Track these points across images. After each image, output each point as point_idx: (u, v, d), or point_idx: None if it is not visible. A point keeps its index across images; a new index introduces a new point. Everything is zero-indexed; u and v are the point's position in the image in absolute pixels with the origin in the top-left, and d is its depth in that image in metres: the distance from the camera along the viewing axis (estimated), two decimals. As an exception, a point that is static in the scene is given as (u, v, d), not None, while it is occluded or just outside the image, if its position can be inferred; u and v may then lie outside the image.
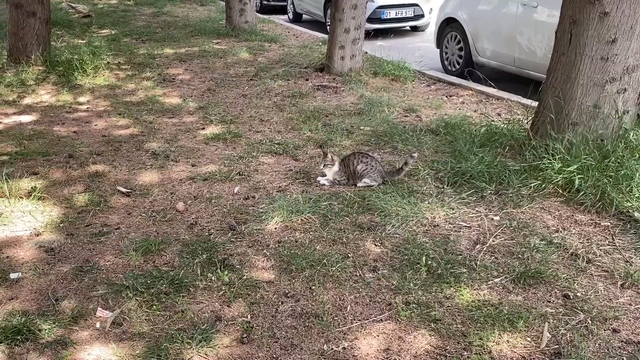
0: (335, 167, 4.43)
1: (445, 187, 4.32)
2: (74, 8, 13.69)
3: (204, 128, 5.89)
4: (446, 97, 7.18)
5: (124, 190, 4.36)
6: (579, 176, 4.01)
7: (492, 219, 3.85)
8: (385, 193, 4.21)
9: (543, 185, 4.12)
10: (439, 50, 9.41)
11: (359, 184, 4.44)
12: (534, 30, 7.38)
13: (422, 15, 12.68)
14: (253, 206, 4.13)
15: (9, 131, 5.64)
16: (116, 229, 3.82)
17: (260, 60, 8.83)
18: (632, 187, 3.89)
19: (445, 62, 9.12)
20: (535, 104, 5.81)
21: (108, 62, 8.21)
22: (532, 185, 4.13)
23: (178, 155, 5.09)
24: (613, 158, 4.04)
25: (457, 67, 8.93)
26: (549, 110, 4.48)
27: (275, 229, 3.80)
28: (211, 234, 3.75)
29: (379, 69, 7.97)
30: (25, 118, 6.07)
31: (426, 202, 4.05)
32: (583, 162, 4.05)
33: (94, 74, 7.66)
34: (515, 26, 7.67)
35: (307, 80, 7.64)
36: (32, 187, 4.32)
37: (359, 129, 5.78)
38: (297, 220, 3.86)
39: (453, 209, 3.95)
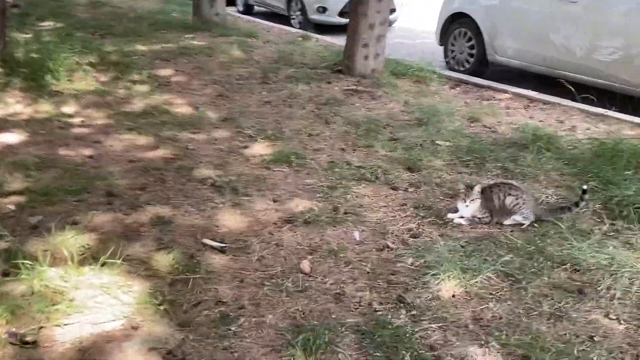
0: (476, 203, 3.49)
1: (616, 222, 3.49)
2: (-1, -5, 11.71)
3: (247, 147, 4.76)
4: (483, 100, 6.42)
5: (214, 244, 3.22)
6: None
7: None
8: (546, 235, 3.42)
9: None
10: (442, 47, 8.66)
11: (506, 222, 3.55)
12: (572, 26, 6.74)
13: (394, 10, 11.95)
14: (398, 261, 3.13)
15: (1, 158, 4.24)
16: (239, 309, 2.71)
17: (257, 60, 7.69)
18: None
19: (452, 61, 8.39)
20: (603, 111, 5.18)
21: (77, 62, 6.74)
22: None
23: (245, 186, 3.96)
24: None
25: (467, 66, 8.22)
26: None
27: (455, 296, 2.82)
28: (378, 311, 2.72)
29: (397, 69, 7.07)
30: (10, 137, 4.66)
31: (620, 247, 3.20)
32: None
33: (68, 77, 6.20)
34: (548, 22, 7.01)
35: (329, 83, 6.63)
36: (83, 246, 3.07)
37: (434, 143, 4.88)
38: (477, 282, 2.90)
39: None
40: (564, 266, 3.09)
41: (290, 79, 6.70)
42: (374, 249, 3.28)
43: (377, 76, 6.82)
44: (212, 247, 3.23)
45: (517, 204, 3.51)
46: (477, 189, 3.51)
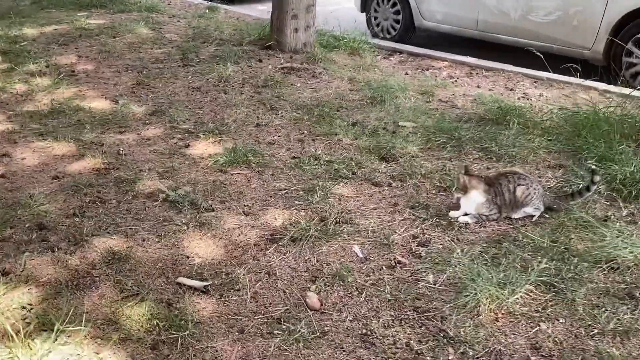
0: (481, 197, 3.06)
1: (628, 205, 3.22)
2: None
3: (189, 145, 4.07)
4: (423, 70, 6.04)
5: (193, 283, 2.60)
6: None
7: None
8: (564, 227, 3.05)
9: None
10: (364, 14, 8.17)
11: (515, 216, 3.15)
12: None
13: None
14: (418, 280, 2.66)
15: None
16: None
17: (170, 38, 6.84)
18: None
19: (376, 29, 7.93)
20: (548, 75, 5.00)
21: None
22: None
23: (205, 198, 3.31)
24: None
25: (393, 33, 7.81)
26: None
27: (498, 320, 2.38)
28: (420, 353, 2.25)
29: (328, 42, 6.52)
30: None
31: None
32: None
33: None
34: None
35: (260, 61, 5.95)
36: (23, 307, 2.35)
37: (398, 125, 4.41)
38: (517, 299, 2.47)
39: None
40: (599, 266, 2.73)
41: (215, 58, 5.95)
42: (384, 267, 2.76)
43: (310, 51, 6.23)
44: (191, 287, 2.56)
45: (529, 194, 3.11)
46: (477, 178, 3.07)
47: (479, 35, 6.99)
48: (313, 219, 3.11)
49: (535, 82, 5.74)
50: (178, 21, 7.80)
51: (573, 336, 2.34)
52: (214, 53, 6.15)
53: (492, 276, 2.60)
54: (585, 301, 2.52)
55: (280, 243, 2.93)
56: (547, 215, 3.18)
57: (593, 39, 5.95)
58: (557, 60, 5.56)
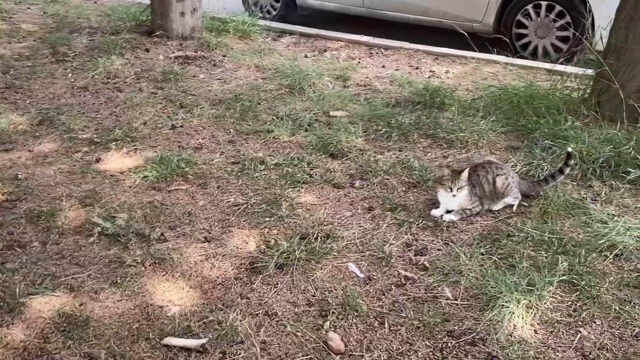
0: (465, 191, 2.87)
1: (594, 183, 3.21)
2: None
3: (99, 160, 3.44)
4: (322, 52, 5.78)
5: (185, 343, 2.10)
6: None
7: None
8: (549, 215, 2.94)
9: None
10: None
11: (496, 207, 2.99)
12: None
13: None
14: (436, 297, 2.41)
15: None
16: None
17: (27, 29, 5.90)
18: None
19: (254, 8, 7.49)
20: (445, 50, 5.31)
21: None
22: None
23: (150, 226, 2.78)
24: None
25: (274, 13, 7.44)
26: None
27: (537, 332, 2.21)
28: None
29: (215, 25, 6.00)
30: None
31: (623, 213, 2.92)
32: None
33: None
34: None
35: (147, 51, 5.30)
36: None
37: (329, 116, 4.10)
38: (547, 305, 2.31)
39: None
40: (604, 254, 2.62)
41: (93, 51, 5.17)
42: (392, 286, 2.44)
43: (200, 36, 5.64)
44: (184, 349, 2.06)
45: (509, 184, 2.95)
46: (465, 174, 2.84)
47: (366, 13, 6.82)
48: (292, 238, 2.68)
49: (436, 58, 5.68)
50: (28, 8, 6.76)
51: (617, 339, 2.20)
52: (90, 45, 5.35)
53: (511, 281, 2.37)
54: (610, 296, 2.39)
55: (265, 273, 2.49)
56: (525, 204, 3.04)
57: (483, 11, 6.01)
58: (448, 35, 5.55)
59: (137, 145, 3.61)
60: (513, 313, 2.26)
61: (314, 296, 2.38)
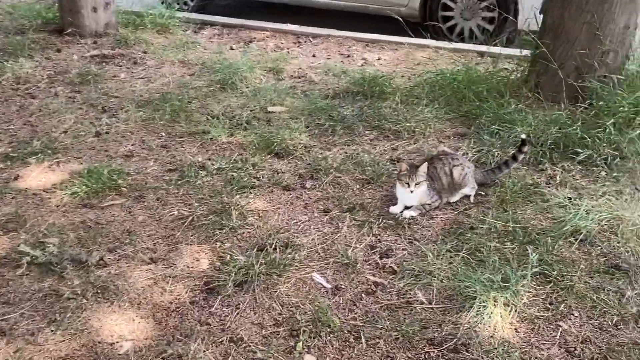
0: (423, 186, 2.76)
1: (545, 166, 3.17)
2: None
3: (18, 177, 3.10)
4: (247, 43, 5.54)
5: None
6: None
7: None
8: (508, 204, 2.87)
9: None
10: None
11: (454, 199, 2.91)
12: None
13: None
14: (409, 303, 2.28)
15: None
16: None
17: None
18: None
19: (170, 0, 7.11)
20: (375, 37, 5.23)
21: None
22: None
23: (87, 251, 2.50)
24: None
25: (192, 3, 7.12)
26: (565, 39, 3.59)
27: (517, 331, 2.13)
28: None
29: (130, 19, 5.63)
30: None
31: (580, 196, 2.88)
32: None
33: None
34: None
35: (59, 51, 4.88)
36: None
37: (267, 112, 3.90)
38: (523, 300, 2.25)
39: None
40: (569, 240, 2.58)
41: (-6, 53, 4.68)
42: (362, 294, 2.29)
43: (115, 32, 5.25)
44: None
45: (466, 174, 2.87)
46: (423, 168, 2.72)
47: (292, 1, 6.60)
48: (248, 251, 2.47)
49: (366, 45, 5.56)
50: None
51: (598, 330, 2.15)
52: (-10, 46, 4.84)
53: (484, 278, 2.28)
54: (582, 285, 2.34)
55: (224, 293, 2.27)
56: (482, 193, 2.96)
57: (408, -5, 5.93)
58: (373, 21, 5.45)
59: (59, 158, 3.27)
60: (492, 313, 2.14)
61: (280, 314, 2.18)
